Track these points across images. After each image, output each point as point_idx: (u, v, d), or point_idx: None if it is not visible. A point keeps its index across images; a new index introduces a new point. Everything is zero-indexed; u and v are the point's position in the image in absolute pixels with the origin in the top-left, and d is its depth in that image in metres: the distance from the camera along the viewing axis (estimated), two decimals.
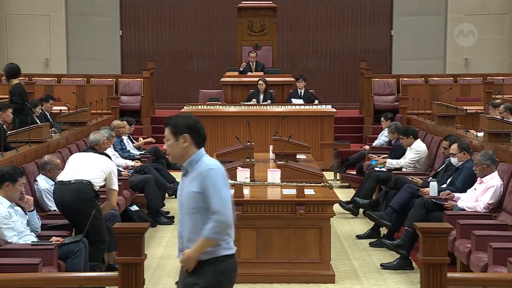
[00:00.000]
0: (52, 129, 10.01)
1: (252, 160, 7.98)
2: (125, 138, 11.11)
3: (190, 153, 4.04)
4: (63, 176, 6.74)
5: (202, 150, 4.09)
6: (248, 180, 7.20)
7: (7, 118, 9.13)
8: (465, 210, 7.22)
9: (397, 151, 10.13)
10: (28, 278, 4.00)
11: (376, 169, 9.93)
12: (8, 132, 9.00)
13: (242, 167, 7.33)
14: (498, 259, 5.74)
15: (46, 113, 11.63)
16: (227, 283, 4.06)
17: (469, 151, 7.94)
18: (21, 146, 8.26)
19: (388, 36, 19.64)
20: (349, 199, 9.99)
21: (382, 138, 11.89)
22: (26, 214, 6.28)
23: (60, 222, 6.72)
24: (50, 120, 11.38)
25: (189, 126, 4.04)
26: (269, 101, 14.27)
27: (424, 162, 9.67)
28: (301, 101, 14.33)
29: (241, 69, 15.64)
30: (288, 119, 12.06)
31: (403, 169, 9.66)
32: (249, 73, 15.56)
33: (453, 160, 7.98)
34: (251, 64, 15.78)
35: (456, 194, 7.57)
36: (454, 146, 7.96)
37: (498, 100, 11.04)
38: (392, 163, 9.79)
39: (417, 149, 9.64)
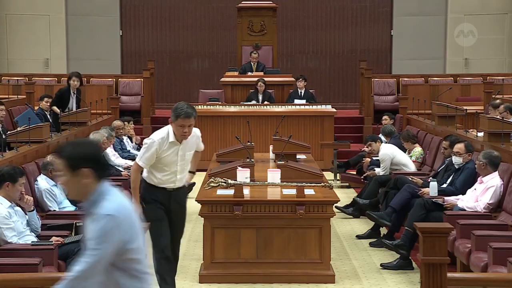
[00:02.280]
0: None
1: (252, 160, 7.98)
2: (125, 138, 11.13)
3: (91, 190, 3.21)
4: None
5: (105, 185, 3.24)
6: (248, 180, 7.20)
7: None
8: (465, 210, 7.22)
9: None
10: (28, 278, 4.00)
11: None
12: (8, 132, 9.01)
13: (242, 167, 7.33)
14: (498, 259, 5.74)
15: (46, 112, 11.64)
16: None
17: (472, 153, 7.93)
18: (21, 146, 8.26)
19: (388, 36, 19.64)
20: (349, 200, 10.01)
21: (382, 138, 11.89)
22: (26, 214, 6.28)
23: (60, 222, 6.72)
24: (50, 119, 11.37)
25: (90, 157, 3.23)
26: (266, 102, 14.28)
27: (401, 159, 9.63)
28: (303, 101, 14.35)
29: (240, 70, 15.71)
30: (288, 119, 12.06)
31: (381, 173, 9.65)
32: (249, 73, 15.57)
33: (457, 160, 7.92)
34: (252, 64, 15.81)
35: (451, 198, 7.55)
36: (461, 146, 7.90)
37: (497, 101, 11.04)
38: (379, 172, 9.74)
39: (380, 156, 9.63)
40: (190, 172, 6.11)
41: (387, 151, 9.64)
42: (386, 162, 9.56)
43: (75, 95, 11.84)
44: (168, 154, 5.80)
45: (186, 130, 5.72)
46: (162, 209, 5.92)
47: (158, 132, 5.88)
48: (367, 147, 10.10)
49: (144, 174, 5.96)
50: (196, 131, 5.97)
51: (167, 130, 5.81)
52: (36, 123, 9.44)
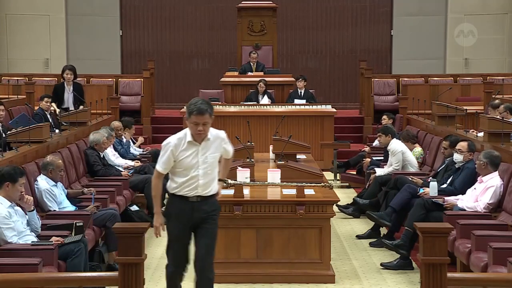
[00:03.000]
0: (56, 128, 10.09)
1: (252, 160, 7.98)
2: (125, 138, 11.13)
3: None
4: None
5: None
6: (248, 180, 7.20)
7: None
8: (465, 210, 7.22)
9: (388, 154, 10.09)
10: (28, 278, 3.99)
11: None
12: (8, 132, 9.00)
13: (242, 167, 7.32)
14: (498, 259, 5.74)
15: (46, 112, 11.62)
16: None
17: (474, 153, 7.93)
18: (21, 146, 8.26)
19: (388, 36, 19.65)
20: (349, 200, 10.01)
21: None
22: (26, 214, 6.28)
23: (60, 222, 6.72)
24: (50, 119, 11.36)
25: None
26: (269, 101, 14.29)
27: (408, 156, 9.60)
28: (303, 101, 14.35)
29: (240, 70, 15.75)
30: (288, 119, 12.06)
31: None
32: (249, 73, 15.57)
33: (457, 157, 7.91)
34: (252, 64, 15.81)
35: (451, 198, 7.54)
36: (464, 144, 7.90)
37: (497, 101, 11.04)
38: (381, 173, 9.68)
39: (393, 150, 9.49)
40: (219, 180, 5.60)
41: (399, 145, 9.60)
42: (397, 156, 9.43)
43: (71, 91, 11.73)
44: (187, 156, 5.29)
45: (201, 128, 5.21)
46: (182, 226, 5.45)
47: (178, 133, 5.40)
48: (378, 136, 10.02)
49: (168, 183, 5.51)
50: (219, 133, 5.46)
51: (186, 130, 5.35)
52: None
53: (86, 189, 8.15)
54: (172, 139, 5.35)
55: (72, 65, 12.09)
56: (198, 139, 5.29)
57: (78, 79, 13.76)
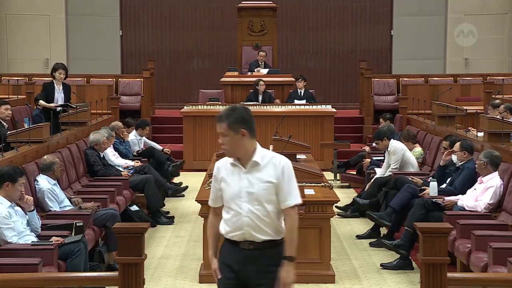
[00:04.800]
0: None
1: None
2: (140, 138, 11.26)
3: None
4: None
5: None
6: None
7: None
8: (465, 209, 7.22)
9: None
10: (28, 278, 4.00)
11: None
12: (8, 132, 9.00)
13: None
14: (498, 259, 5.74)
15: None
16: None
17: (471, 152, 7.92)
18: (21, 146, 8.26)
19: (388, 36, 19.65)
20: (349, 200, 10.00)
21: None
22: (26, 214, 6.28)
23: (60, 222, 6.72)
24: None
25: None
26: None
27: (409, 156, 9.59)
28: (303, 101, 14.36)
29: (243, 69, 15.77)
30: (288, 119, 12.07)
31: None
32: (258, 70, 15.56)
33: (453, 157, 7.97)
34: (260, 63, 15.84)
35: (451, 197, 7.54)
36: (457, 144, 7.96)
37: (497, 101, 11.05)
38: (379, 174, 9.65)
39: (393, 149, 9.45)
40: (285, 258, 4.03)
41: (399, 145, 9.58)
42: (398, 154, 9.40)
43: (61, 91, 11.31)
44: (229, 182, 4.02)
45: (219, 141, 4.09)
46: (232, 283, 4.01)
47: None
48: (376, 143, 10.01)
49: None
50: (276, 159, 4.07)
51: None
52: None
53: (73, 197, 7.96)
54: (219, 161, 4.20)
55: (64, 64, 11.63)
56: (242, 161, 4.03)
57: (78, 79, 13.78)
